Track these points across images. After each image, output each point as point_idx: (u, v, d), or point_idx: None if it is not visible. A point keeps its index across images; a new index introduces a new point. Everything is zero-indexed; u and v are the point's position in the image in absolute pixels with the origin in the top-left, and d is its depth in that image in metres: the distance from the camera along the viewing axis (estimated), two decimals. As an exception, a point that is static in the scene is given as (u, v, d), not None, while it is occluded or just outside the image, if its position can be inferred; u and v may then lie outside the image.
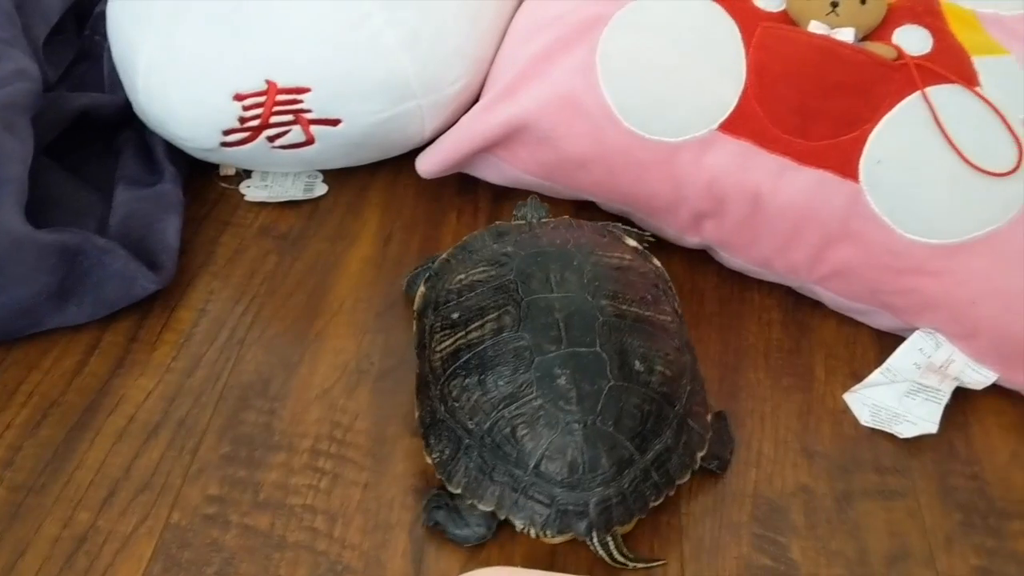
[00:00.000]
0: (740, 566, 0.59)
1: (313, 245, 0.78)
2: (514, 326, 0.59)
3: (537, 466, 0.55)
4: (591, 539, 0.56)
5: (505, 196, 0.83)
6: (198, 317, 0.72)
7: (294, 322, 0.72)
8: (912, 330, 0.71)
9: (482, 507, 0.56)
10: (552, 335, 0.58)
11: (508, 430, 0.56)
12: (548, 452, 0.55)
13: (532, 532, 0.55)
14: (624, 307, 0.60)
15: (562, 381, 0.56)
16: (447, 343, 0.61)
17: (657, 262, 0.68)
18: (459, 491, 0.57)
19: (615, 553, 0.56)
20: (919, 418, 0.66)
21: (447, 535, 0.58)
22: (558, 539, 0.56)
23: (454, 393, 0.58)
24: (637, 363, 0.58)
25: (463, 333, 0.60)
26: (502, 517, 0.56)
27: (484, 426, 0.57)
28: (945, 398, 0.67)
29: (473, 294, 0.62)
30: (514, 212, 0.73)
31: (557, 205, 0.82)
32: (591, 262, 0.62)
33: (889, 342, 0.72)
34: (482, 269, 0.64)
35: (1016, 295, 0.66)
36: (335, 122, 0.75)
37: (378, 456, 0.63)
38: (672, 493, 0.58)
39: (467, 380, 0.58)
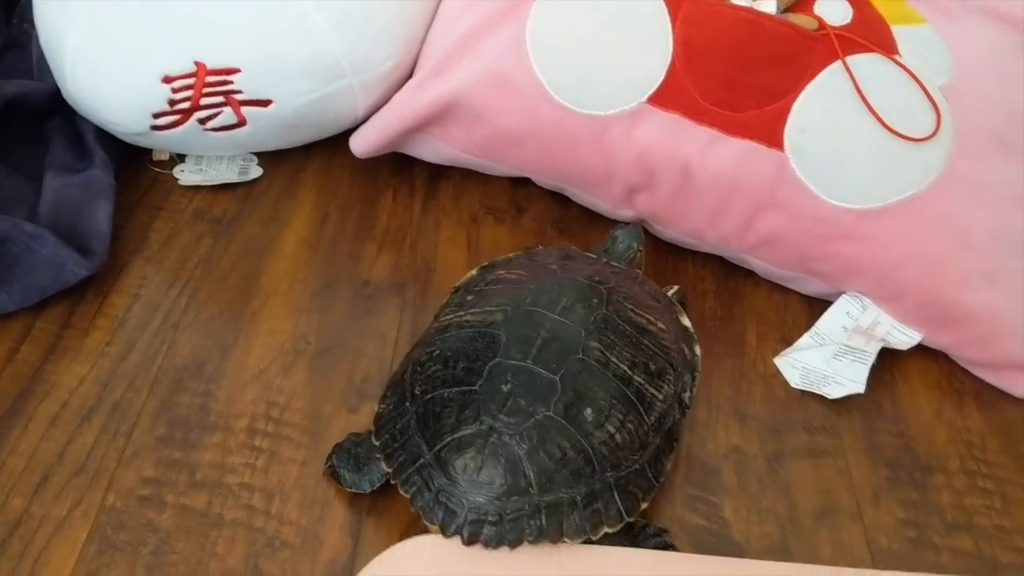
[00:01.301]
0: (674, 526, 0.60)
1: (248, 228, 0.78)
2: (501, 325, 0.59)
3: (440, 451, 0.55)
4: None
5: (441, 175, 0.84)
6: (131, 302, 0.71)
7: (229, 304, 0.72)
8: (840, 294, 0.72)
9: (383, 467, 0.57)
10: (524, 347, 0.58)
11: (438, 408, 0.57)
12: (455, 443, 0.55)
13: (412, 508, 0.56)
14: (614, 360, 0.58)
15: (505, 389, 0.56)
16: (449, 317, 0.62)
17: (698, 350, 0.65)
18: (377, 444, 0.58)
19: None
20: (847, 379, 0.68)
21: (336, 475, 0.60)
22: (431, 528, 0.55)
23: (423, 359, 0.60)
24: (588, 411, 0.56)
25: (463, 312, 0.61)
26: (393, 482, 0.57)
27: (424, 396, 0.58)
28: (871, 359, 0.68)
29: (494, 288, 0.63)
30: (611, 232, 0.70)
31: (493, 183, 0.83)
32: (613, 309, 0.61)
33: (818, 307, 0.74)
34: (519, 273, 0.64)
35: (937, 257, 0.68)
36: (266, 103, 0.75)
37: (315, 433, 0.63)
38: (554, 543, 0.55)
39: (436, 352, 0.59)
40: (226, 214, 0.79)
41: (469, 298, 0.63)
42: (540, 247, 0.70)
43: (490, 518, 0.54)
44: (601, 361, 0.58)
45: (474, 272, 0.67)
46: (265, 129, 0.77)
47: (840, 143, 0.68)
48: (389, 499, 0.60)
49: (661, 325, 0.62)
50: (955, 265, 0.68)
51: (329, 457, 0.60)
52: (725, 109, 0.70)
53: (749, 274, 0.77)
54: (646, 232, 0.74)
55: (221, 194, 0.81)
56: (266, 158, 0.83)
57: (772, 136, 0.69)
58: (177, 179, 0.81)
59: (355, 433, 0.61)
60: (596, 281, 0.63)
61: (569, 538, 0.54)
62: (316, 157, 0.84)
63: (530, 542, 0.54)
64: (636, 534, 0.57)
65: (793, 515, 0.62)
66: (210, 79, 0.73)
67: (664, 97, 0.70)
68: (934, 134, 0.68)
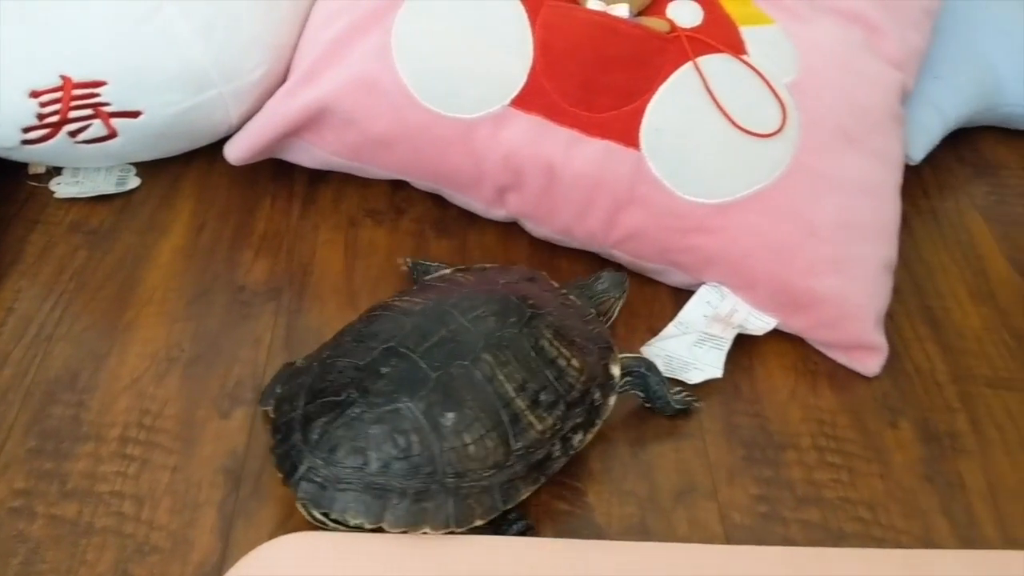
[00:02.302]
0: (539, 512, 0.62)
1: (124, 238, 0.78)
2: (415, 315, 0.62)
3: (306, 411, 0.59)
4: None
5: (321, 179, 0.85)
6: (5, 316, 0.71)
7: (103, 315, 0.72)
8: (701, 285, 0.76)
9: (270, 412, 0.62)
10: (420, 340, 0.60)
11: (327, 373, 0.60)
12: (317, 407, 0.59)
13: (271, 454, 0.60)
14: (501, 378, 0.59)
15: (383, 371, 0.59)
16: (391, 299, 0.65)
17: (612, 401, 0.64)
18: (279, 391, 0.63)
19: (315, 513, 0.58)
20: (706, 364, 0.71)
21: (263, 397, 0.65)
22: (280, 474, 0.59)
23: (345, 329, 0.64)
24: (450, 415, 0.57)
25: (400, 297, 0.65)
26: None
27: (326, 360, 0.61)
28: (727, 345, 0.72)
29: (436, 286, 0.66)
30: (599, 271, 0.72)
31: (373, 186, 0.84)
32: (528, 332, 0.61)
33: (684, 297, 0.77)
34: (468, 279, 0.67)
35: (786, 246, 0.72)
36: (136, 114, 0.75)
37: (187, 439, 0.64)
38: (372, 525, 0.56)
39: (356, 326, 0.63)
40: (103, 225, 0.79)
41: (414, 288, 0.67)
42: (518, 266, 0.72)
43: (321, 481, 0.57)
44: (487, 375, 0.59)
45: (447, 271, 0.70)
46: (137, 140, 0.77)
47: (692, 141, 0.72)
48: (259, 501, 0.61)
49: (575, 363, 0.62)
50: (803, 253, 0.72)
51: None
52: (584, 110, 0.73)
53: (619, 268, 0.80)
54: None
55: (98, 205, 0.81)
56: (144, 168, 0.84)
57: (629, 136, 0.72)
58: (53, 192, 0.81)
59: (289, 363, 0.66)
60: (528, 304, 0.63)
61: (388, 526, 0.56)
62: (195, 166, 0.85)
63: (349, 518, 0.56)
64: (498, 522, 0.60)
65: (653, 495, 0.65)
66: (77, 92, 0.73)
67: (526, 100, 0.73)
68: (780, 130, 0.72)
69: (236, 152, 0.79)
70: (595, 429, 0.63)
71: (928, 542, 0.63)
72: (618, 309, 0.72)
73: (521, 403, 0.60)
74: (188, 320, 0.72)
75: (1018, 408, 0.73)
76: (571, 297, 0.69)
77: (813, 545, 0.62)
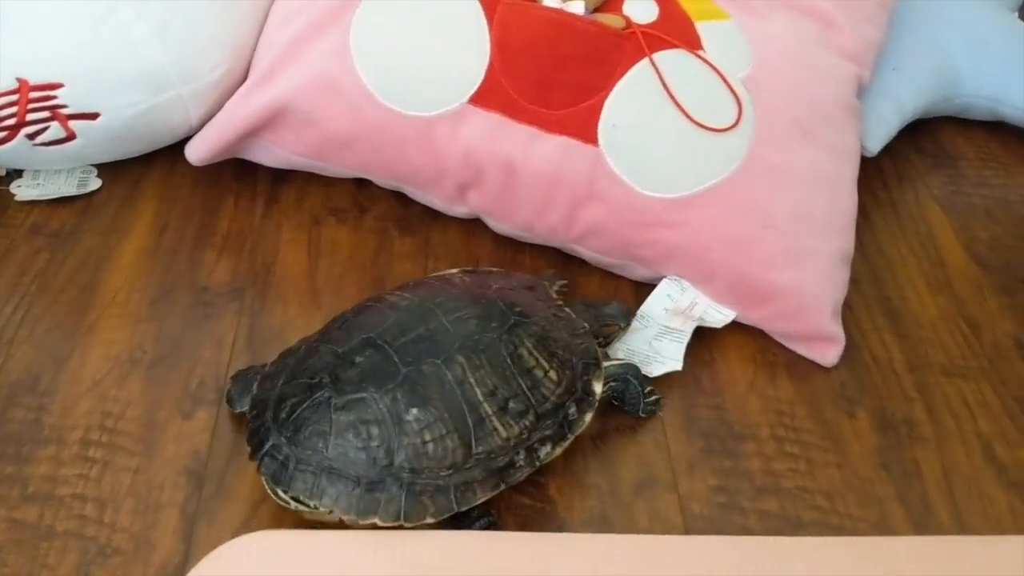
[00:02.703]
0: (501, 507, 0.63)
1: (86, 240, 0.78)
2: (400, 310, 0.62)
3: (280, 392, 0.60)
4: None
5: (284, 179, 0.85)
6: (-35, 320, 0.71)
7: (65, 318, 0.72)
8: (662, 279, 0.77)
9: (255, 387, 0.64)
10: (397, 335, 0.60)
11: (308, 357, 0.62)
12: (289, 387, 0.60)
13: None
14: (471, 381, 0.59)
15: (356, 360, 0.60)
16: (386, 292, 0.66)
17: (588, 417, 0.63)
18: (267, 367, 0.64)
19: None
20: (666, 358, 0.72)
21: (229, 399, 0.66)
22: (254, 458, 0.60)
23: (337, 317, 0.65)
24: (414, 411, 0.58)
25: (394, 292, 0.66)
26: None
27: (312, 345, 0.63)
28: (687, 338, 0.73)
29: (430, 283, 0.66)
30: (605, 301, 0.72)
31: (336, 184, 0.85)
32: (508, 340, 0.61)
33: (646, 291, 0.78)
34: (464, 280, 0.67)
35: (743, 239, 0.73)
36: (94, 116, 0.75)
37: (149, 441, 0.65)
38: (326, 512, 0.57)
39: (347, 314, 0.65)
40: (64, 227, 0.79)
41: (411, 283, 0.67)
42: (518, 274, 0.71)
43: (283, 459, 0.58)
44: (457, 376, 0.59)
45: (453, 271, 0.70)
46: (96, 142, 0.77)
47: (649, 136, 0.72)
48: (222, 501, 0.61)
49: (552, 375, 0.62)
50: (760, 246, 0.73)
51: (231, 385, 0.66)
52: (542, 107, 0.73)
53: (583, 263, 0.81)
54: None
55: (60, 207, 0.81)
56: (106, 169, 0.84)
57: (587, 132, 0.73)
58: (14, 195, 0.81)
59: (253, 365, 0.67)
60: (515, 311, 0.63)
61: (340, 511, 0.57)
62: (157, 166, 0.85)
63: (304, 499, 0.57)
64: (461, 518, 0.60)
65: (614, 488, 0.65)
66: (34, 95, 0.73)
67: (484, 97, 0.73)
68: (735, 124, 0.73)
69: (196, 153, 0.79)
70: (565, 443, 0.62)
71: (884, 529, 0.65)
72: (617, 339, 0.72)
73: (488, 408, 0.60)
74: (151, 321, 0.72)
75: (973, 396, 0.74)
76: (566, 310, 0.68)
77: (771, 534, 0.63)
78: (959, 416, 0.72)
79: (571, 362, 0.64)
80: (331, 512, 0.57)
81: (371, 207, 0.84)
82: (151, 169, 0.85)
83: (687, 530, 0.63)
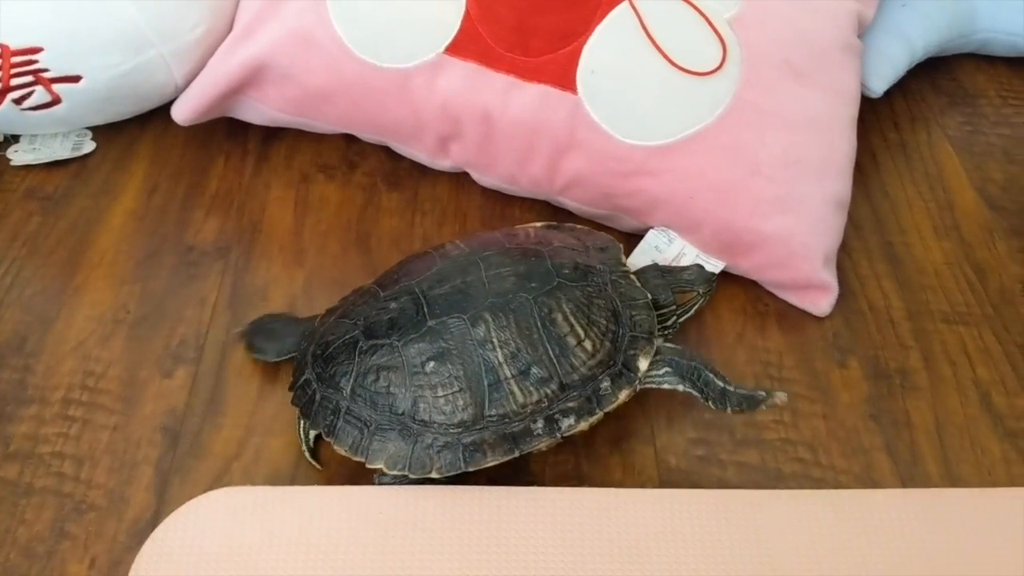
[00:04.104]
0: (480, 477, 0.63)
1: (78, 203, 0.79)
2: (447, 260, 0.62)
3: (333, 320, 0.62)
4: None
5: (275, 137, 0.85)
6: (-42, 284, 0.73)
7: (53, 279, 0.73)
8: (649, 229, 0.75)
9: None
10: (436, 286, 0.60)
11: (359, 300, 0.63)
12: (331, 325, 0.62)
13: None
14: (494, 341, 0.58)
15: (392, 305, 0.60)
16: (448, 243, 0.66)
17: (623, 395, 0.59)
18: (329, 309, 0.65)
19: (303, 438, 0.62)
20: (650, 310, 0.70)
21: (250, 343, 0.67)
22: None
23: (402, 261, 0.66)
24: (432, 364, 0.58)
25: (452, 242, 0.65)
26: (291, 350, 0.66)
27: (365, 290, 0.64)
28: (670, 289, 0.71)
29: (489, 236, 0.65)
30: (684, 266, 0.68)
31: (326, 141, 0.84)
32: (543, 303, 0.59)
33: (635, 243, 0.76)
34: (528, 234, 0.66)
35: (728, 187, 0.70)
36: (76, 79, 0.75)
37: (128, 399, 0.65)
38: (338, 448, 0.59)
39: (407, 259, 0.65)
40: (57, 191, 0.80)
41: (479, 232, 0.68)
42: (600, 233, 0.68)
43: (311, 395, 0.60)
44: (481, 336, 0.58)
45: (538, 224, 0.69)
46: (82, 104, 0.78)
47: (630, 82, 0.70)
48: (196, 459, 0.62)
49: (587, 345, 0.59)
50: (747, 193, 0.70)
51: (245, 330, 0.68)
52: (519, 55, 0.71)
53: (570, 215, 0.79)
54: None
55: (54, 171, 0.82)
56: (101, 132, 0.84)
57: (566, 79, 0.71)
58: (9, 160, 0.82)
59: (272, 313, 0.69)
60: (563, 273, 0.60)
61: (348, 451, 0.58)
62: (150, 128, 0.85)
63: (324, 432, 0.59)
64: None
65: (590, 443, 0.65)
66: (16, 59, 0.73)
67: (461, 46, 0.72)
68: (720, 67, 0.70)
69: (182, 112, 0.79)
70: (592, 419, 0.59)
71: (868, 481, 0.63)
72: (696, 308, 0.67)
73: (508, 371, 0.58)
74: (135, 282, 0.73)
75: (973, 343, 0.71)
76: (631, 276, 0.64)
77: (749, 487, 0.62)
78: (957, 364, 0.70)
79: (614, 333, 0.60)
80: (345, 453, 0.59)
81: (360, 163, 0.83)
82: (145, 131, 0.85)
83: (661, 483, 0.63)
